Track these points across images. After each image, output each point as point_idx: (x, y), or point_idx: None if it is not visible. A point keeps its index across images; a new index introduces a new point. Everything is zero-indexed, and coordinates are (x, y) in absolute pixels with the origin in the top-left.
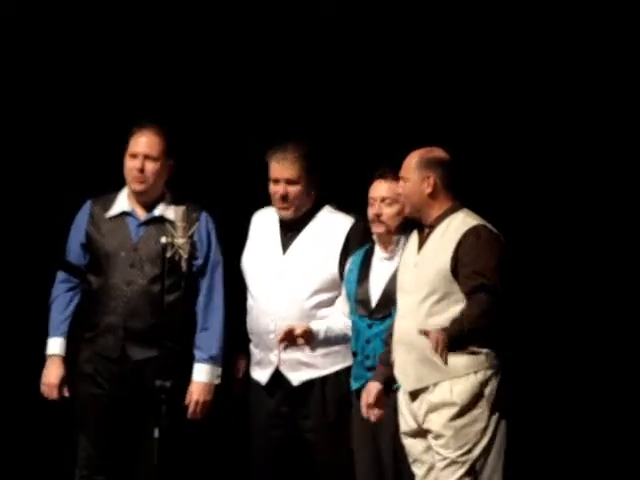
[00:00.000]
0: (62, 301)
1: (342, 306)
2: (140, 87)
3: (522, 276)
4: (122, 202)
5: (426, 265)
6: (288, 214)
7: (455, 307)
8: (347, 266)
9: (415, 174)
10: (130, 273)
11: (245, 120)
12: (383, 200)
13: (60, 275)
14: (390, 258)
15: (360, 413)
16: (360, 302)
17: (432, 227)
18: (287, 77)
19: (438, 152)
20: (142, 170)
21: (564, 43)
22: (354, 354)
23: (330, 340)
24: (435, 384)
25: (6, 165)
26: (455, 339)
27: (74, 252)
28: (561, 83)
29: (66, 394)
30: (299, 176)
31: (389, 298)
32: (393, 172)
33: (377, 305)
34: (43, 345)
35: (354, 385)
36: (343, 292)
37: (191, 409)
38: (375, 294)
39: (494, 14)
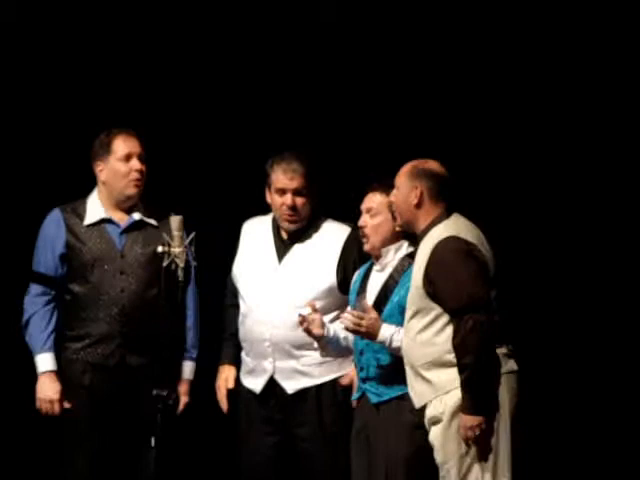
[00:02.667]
0: (43, 316)
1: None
2: (137, 94)
3: (515, 281)
4: (97, 209)
5: (411, 282)
6: (295, 226)
7: (439, 321)
8: (354, 277)
9: (405, 184)
10: (121, 280)
11: (241, 125)
12: (368, 211)
13: (34, 288)
14: (381, 270)
15: (357, 424)
16: None
17: (418, 242)
18: (286, 83)
19: (430, 164)
20: (141, 170)
21: (560, 54)
22: (355, 365)
23: (339, 343)
24: (431, 400)
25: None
26: (476, 395)
27: (50, 263)
28: (554, 91)
29: (67, 406)
30: (306, 187)
31: (378, 309)
32: (383, 184)
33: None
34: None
35: (354, 396)
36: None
37: (183, 407)
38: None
39: (494, 24)
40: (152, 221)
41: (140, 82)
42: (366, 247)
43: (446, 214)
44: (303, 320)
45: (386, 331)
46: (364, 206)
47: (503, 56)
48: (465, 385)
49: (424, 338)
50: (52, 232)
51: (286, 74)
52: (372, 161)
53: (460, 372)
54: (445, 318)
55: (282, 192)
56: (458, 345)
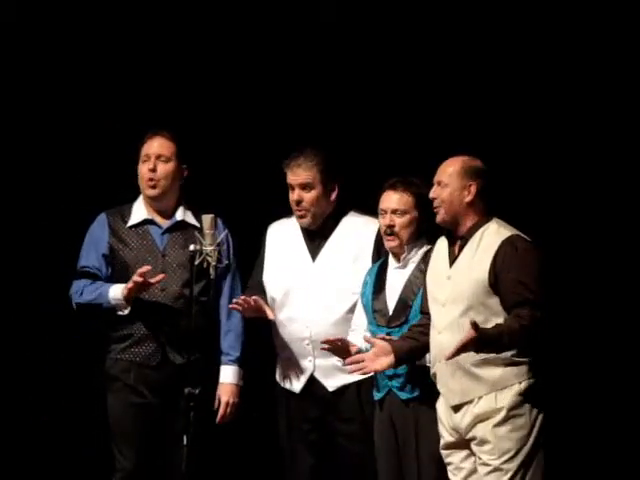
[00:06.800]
0: (92, 283)
1: (359, 320)
2: (144, 93)
3: (557, 282)
4: (140, 211)
5: (462, 278)
6: (305, 221)
7: (495, 319)
8: (363, 279)
9: (457, 181)
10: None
11: (248, 127)
12: (394, 212)
13: (77, 280)
14: (403, 266)
15: (382, 423)
16: (378, 312)
17: (465, 238)
18: (285, 83)
19: (479, 162)
20: (154, 170)
21: (590, 59)
22: None
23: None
24: (480, 397)
25: (7, 172)
26: (489, 343)
27: (95, 262)
28: (573, 92)
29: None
30: (312, 181)
31: (405, 305)
32: (403, 182)
33: (394, 313)
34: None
35: (377, 395)
36: (359, 306)
37: (222, 411)
38: (391, 303)
39: (500, 18)
40: (194, 222)
41: (141, 82)
42: (393, 244)
43: (488, 214)
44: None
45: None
46: (387, 206)
47: (500, 54)
48: (500, 332)
49: None
50: (97, 234)
51: (286, 74)
52: (371, 160)
53: (519, 325)
54: (503, 316)
55: (292, 188)
56: (524, 324)
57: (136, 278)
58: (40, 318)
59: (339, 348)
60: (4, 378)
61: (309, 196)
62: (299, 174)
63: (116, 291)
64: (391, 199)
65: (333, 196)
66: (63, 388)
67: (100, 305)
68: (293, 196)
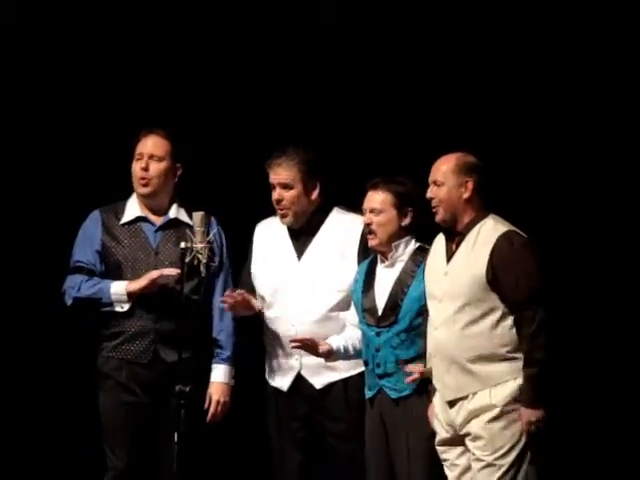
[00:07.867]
0: (89, 279)
1: (351, 316)
2: (141, 92)
3: (553, 279)
4: (133, 208)
5: (459, 274)
6: (287, 220)
7: (492, 315)
8: (355, 276)
9: (453, 178)
10: None
11: (245, 127)
12: (372, 210)
13: (70, 276)
14: (391, 265)
15: (373, 421)
16: (367, 311)
17: (462, 234)
18: (286, 83)
19: (473, 157)
20: (146, 169)
21: (578, 51)
22: (365, 363)
23: (349, 354)
24: (474, 393)
25: (7, 172)
26: (541, 389)
27: (90, 257)
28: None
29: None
30: (292, 180)
31: (394, 304)
32: (384, 181)
33: (383, 312)
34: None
35: (368, 394)
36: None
37: (212, 410)
38: (380, 302)
39: (498, 18)
40: (187, 220)
41: (142, 82)
42: (373, 243)
43: (486, 209)
44: (300, 346)
45: (336, 342)
46: (367, 205)
47: (499, 55)
48: (533, 379)
49: (475, 331)
50: (90, 231)
51: (286, 74)
52: (370, 159)
53: (529, 365)
54: (500, 311)
55: (273, 187)
56: (530, 336)
57: (157, 275)
58: (40, 318)
59: (309, 346)
60: (4, 378)
61: (289, 195)
62: (279, 173)
63: (118, 287)
64: (371, 198)
65: (314, 195)
66: (63, 388)
67: (98, 300)
68: (274, 195)
